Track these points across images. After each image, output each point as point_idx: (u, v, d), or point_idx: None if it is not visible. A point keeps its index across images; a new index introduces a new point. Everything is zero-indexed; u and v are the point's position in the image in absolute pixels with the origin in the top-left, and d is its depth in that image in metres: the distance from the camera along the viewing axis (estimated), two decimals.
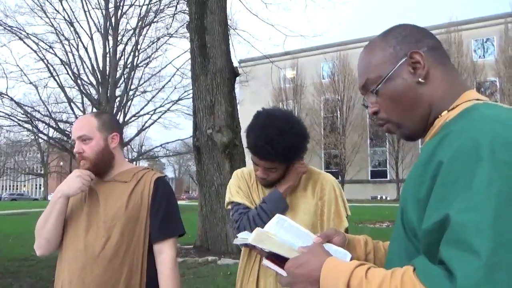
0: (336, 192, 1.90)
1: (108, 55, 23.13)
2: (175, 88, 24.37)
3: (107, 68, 23.05)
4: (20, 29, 21.27)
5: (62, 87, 22.69)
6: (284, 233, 1.15)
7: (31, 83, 22.25)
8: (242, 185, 1.92)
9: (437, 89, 1.00)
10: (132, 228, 1.79)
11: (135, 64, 23.73)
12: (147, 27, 23.40)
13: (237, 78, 9.36)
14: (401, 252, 0.93)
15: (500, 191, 0.73)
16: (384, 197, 37.75)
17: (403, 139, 1.10)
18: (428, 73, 1.00)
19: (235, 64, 9.46)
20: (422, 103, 1.00)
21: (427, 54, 1.01)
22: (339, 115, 39.85)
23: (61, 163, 49.87)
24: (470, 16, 37.43)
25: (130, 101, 24.67)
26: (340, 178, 37.55)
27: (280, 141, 1.69)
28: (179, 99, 24.25)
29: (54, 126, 22.95)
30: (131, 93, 24.41)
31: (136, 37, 23.28)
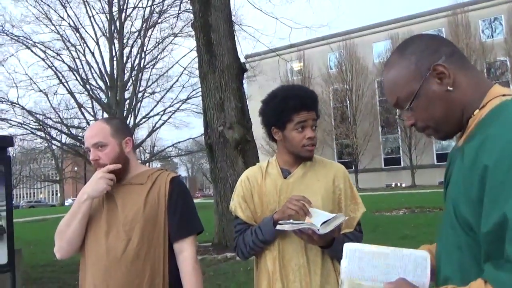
0: (350, 181, 1.96)
1: (115, 59, 23.26)
2: (183, 87, 24.45)
3: (115, 71, 23.17)
4: (27, 38, 21.46)
5: (71, 93, 22.87)
6: (366, 268, 1.19)
7: (41, 91, 22.44)
8: (246, 192, 1.94)
9: (465, 92, 1.06)
10: (151, 229, 1.81)
11: (142, 66, 23.83)
12: (152, 28, 23.47)
13: (245, 74, 9.35)
14: (461, 245, 1.00)
15: None
16: (399, 184, 37.52)
17: (441, 140, 1.18)
18: (454, 80, 1.06)
19: (242, 59, 9.44)
20: (455, 108, 1.07)
21: (447, 62, 1.07)
22: (348, 105, 39.65)
23: (76, 168, 50.36)
24: None
25: (139, 103, 24.79)
26: (353, 168, 37.40)
27: (311, 90, 1.95)
28: (188, 98, 24.31)
29: (67, 132, 23.18)
30: (140, 95, 24.51)
31: (142, 39, 23.38)
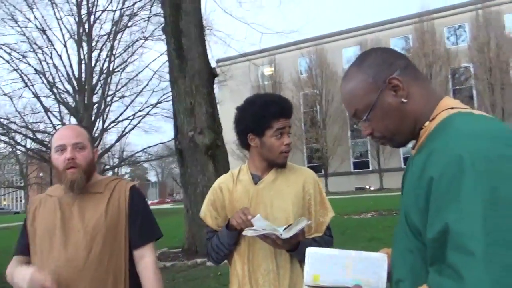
0: (320, 186, 2.00)
1: (83, 62, 22.80)
2: (153, 91, 24.18)
3: (83, 75, 22.72)
4: None
5: (37, 97, 22.27)
6: (326, 272, 1.23)
7: (5, 94, 21.78)
8: (217, 201, 1.98)
9: (418, 104, 1.13)
10: (113, 236, 1.82)
11: (111, 69, 23.45)
12: (122, 31, 23.16)
13: (216, 78, 9.35)
14: (412, 249, 1.06)
15: (484, 198, 0.87)
16: (368, 187, 38.14)
17: (394, 147, 1.24)
18: (408, 92, 1.12)
19: (213, 64, 9.45)
20: (408, 119, 1.13)
21: (402, 74, 1.13)
22: (318, 109, 40.08)
23: (41, 174, 48.99)
24: (442, 4, 37.97)
25: (108, 107, 24.38)
26: (323, 172, 37.81)
27: (286, 98, 1.97)
28: (158, 103, 24.06)
29: (32, 137, 22.56)
30: (108, 99, 24.10)
31: (111, 42, 23.02)
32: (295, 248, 1.79)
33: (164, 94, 23.40)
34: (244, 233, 1.72)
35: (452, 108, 1.10)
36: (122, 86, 24.71)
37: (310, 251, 1.27)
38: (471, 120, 1.02)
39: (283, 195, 1.89)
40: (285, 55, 41.62)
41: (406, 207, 1.08)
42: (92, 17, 22.70)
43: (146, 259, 1.87)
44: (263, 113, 1.84)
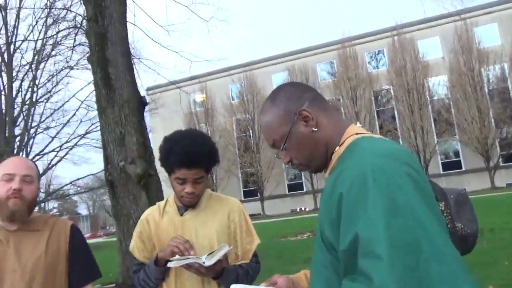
0: (245, 215, 2.06)
1: (3, 93, 21.64)
2: (81, 121, 23.32)
3: (3, 106, 21.52)
4: None
5: None
6: None
7: None
8: (144, 233, 1.99)
9: (327, 131, 1.25)
10: (52, 276, 1.76)
11: (34, 100, 22.41)
12: (45, 61, 22.29)
13: (146, 107, 9.25)
14: (326, 263, 1.13)
15: (385, 208, 0.98)
16: (303, 209, 38.85)
17: (312, 173, 1.36)
18: (317, 122, 1.25)
19: (143, 93, 9.35)
20: (320, 146, 1.25)
21: (310, 106, 1.26)
22: (251, 134, 40.59)
23: None
24: (361, 32, 40.30)
25: (32, 139, 23.19)
26: (259, 195, 38.10)
27: (205, 143, 1.89)
28: (87, 133, 23.21)
29: None
30: (32, 131, 22.95)
31: (33, 72, 22.06)
32: (220, 274, 1.83)
33: (92, 124, 22.67)
34: (169, 264, 1.75)
35: (357, 133, 1.23)
36: (47, 117, 23.64)
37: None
38: (372, 142, 1.16)
39: (207, 224, 1.94)
40: (216, 82, 41.99)
41: (321, 224, 1.17)
42: (12, 46, 21.70)
43: None
44: (166, 158, 1.87)
